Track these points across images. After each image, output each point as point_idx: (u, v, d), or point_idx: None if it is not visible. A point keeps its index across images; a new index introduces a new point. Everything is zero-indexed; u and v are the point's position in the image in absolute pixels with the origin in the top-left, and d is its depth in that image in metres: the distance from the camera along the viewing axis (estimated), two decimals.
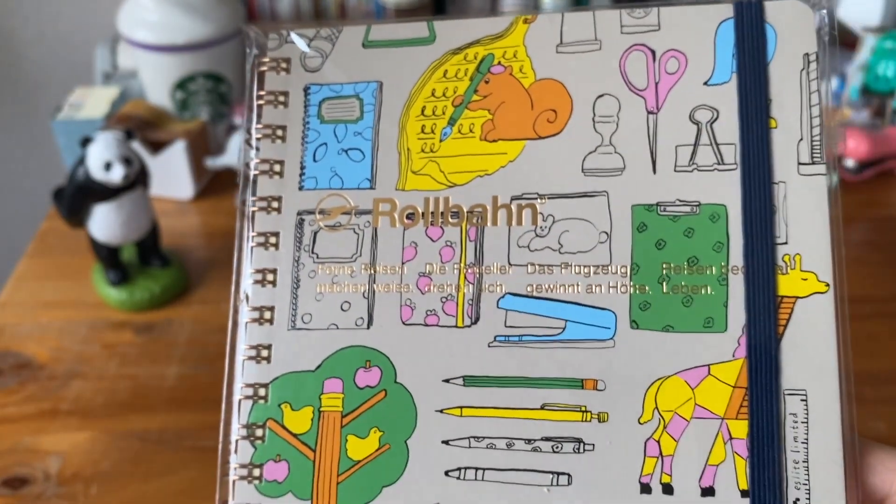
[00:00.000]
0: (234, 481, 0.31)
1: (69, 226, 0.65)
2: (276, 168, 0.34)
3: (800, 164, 0.30)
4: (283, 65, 0.35)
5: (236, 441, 0.32)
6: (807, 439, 0.29)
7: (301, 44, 0.35)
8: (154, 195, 0.75)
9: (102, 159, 0.60)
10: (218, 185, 0.82)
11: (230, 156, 0.74)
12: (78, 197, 0.62)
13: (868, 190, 0.79)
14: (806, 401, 0.29)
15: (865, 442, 0.29)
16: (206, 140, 0.82)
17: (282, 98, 0.34)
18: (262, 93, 0.35)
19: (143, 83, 0.87)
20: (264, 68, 0.35)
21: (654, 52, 0.32)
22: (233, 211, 0.80)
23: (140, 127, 0.78)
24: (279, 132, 0.34)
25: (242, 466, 0.31)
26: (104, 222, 0.63)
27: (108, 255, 0.66)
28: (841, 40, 0.31)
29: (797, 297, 0.29)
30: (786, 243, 0.30)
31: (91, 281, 0.69)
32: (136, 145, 0.73)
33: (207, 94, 0.86)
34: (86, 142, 0.61)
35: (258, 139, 0.34)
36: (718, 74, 0.31)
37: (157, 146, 0.78)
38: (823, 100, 0.30)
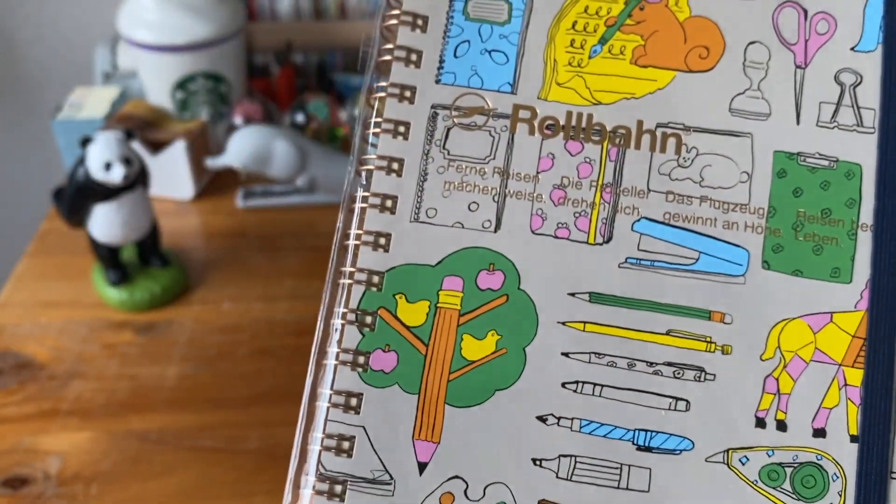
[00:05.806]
0: (335, 366, 0.31)
1: (69, 226, 0.65)
2: (413, 57, 0.33)
3: None
4: None
5: (341, 325, 0.31)
6: None
7: None
8: (154, 195, 0.75)
9: (102, 159, 0.60)
10: (218, 185, 0.82)
11: (230, 156, 0.74)
12: (78, 197, 0.62)
13: None
14: None
15: None
16: (206, 140, 0.82)
17: None
18: None
19: (143, 83, 0.87)
20: None
21: (805, 12, 0.32)
22: (233, 211, 0.80)
23: (140, 127, 0.78)
24: (419, 21, 0.33)
25: (346, 352, 0.31)
26: (104, 222, 0.63)
27: (108, 255, 0.66)
28: None
29: None
30: None
31: (91, 281, 0.69)
32: (136, 145, 0.73)
33: (207, 94, 0.86)
34: (86, 142, 0.61)
35: (396, 24, 0.33)
36: (865, 42, 0.32)
37: (157, 146, 0.78)
38: None
